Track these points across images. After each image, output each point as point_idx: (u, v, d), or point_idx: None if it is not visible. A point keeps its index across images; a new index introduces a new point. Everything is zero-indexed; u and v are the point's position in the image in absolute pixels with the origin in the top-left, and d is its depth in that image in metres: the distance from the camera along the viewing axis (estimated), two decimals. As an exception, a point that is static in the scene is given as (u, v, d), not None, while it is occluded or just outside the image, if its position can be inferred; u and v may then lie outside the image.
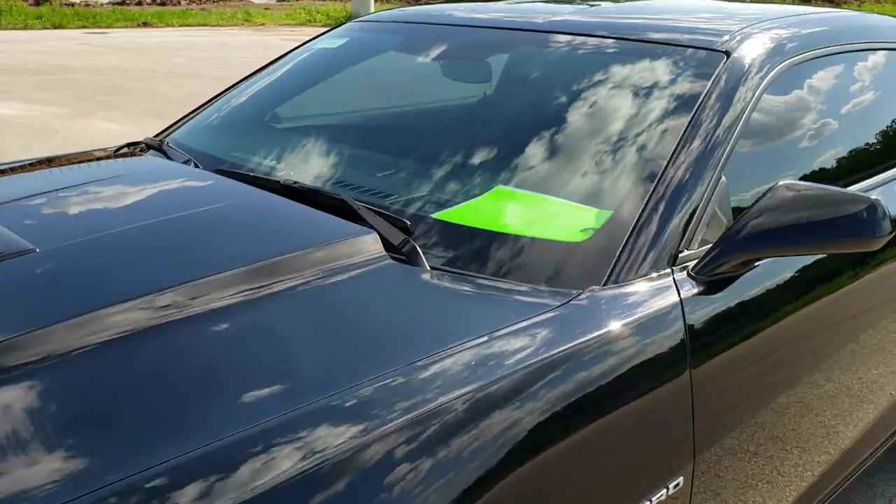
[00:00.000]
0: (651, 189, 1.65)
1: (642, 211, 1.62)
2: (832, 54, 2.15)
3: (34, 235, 1.56)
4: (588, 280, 1.51)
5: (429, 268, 1.58)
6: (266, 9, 26.09)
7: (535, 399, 1.27)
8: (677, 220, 1.61)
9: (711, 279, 1.59)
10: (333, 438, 1.07)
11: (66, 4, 23.31)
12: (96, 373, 1.18)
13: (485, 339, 1.32)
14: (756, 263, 1.67)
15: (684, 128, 1.75)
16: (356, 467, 1.05)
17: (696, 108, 1.78)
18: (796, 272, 1.78)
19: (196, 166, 2.05)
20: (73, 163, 2.27)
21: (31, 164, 2.29)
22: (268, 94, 2.43)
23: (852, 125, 2.19)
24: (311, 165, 2.02)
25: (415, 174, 1.91)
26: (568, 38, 2.12)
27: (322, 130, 2.21)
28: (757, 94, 1.85)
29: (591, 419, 1.33)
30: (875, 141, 2.27)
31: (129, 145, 2.41)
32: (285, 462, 1.03)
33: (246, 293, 1.39)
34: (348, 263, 1.52)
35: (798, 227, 1.55)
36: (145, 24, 20.67)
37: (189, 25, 21.32)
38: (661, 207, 1.62)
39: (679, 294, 1.53)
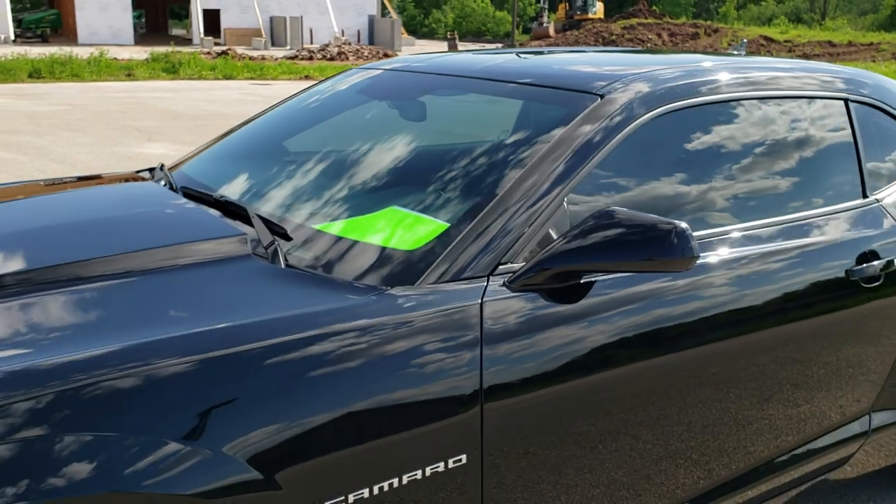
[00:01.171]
0: (487, 208, 1.87)
1: (473, 226, 1.84)
2: (715, 103, 2.26)
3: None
4: (406, 280, 1.75)
5: (283, 266, 1.85)
6: (424, 64, 27.24)
7: (310, 367, 1.53)
8: (504, 237, 1.82)
9: (524, 289, 1.78)
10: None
11: (242, 57, 25.24)
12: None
13: (278, 315, 1.60)
14: (583, 280, 1.85)
15: (536, 157, 1.97)
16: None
17: (553, 141, 2.00)
18: (614, 292, 1.90)
19: (169, 186, 2.47)
20: (93, 178, 2.84)
21: (61, 181, 2.84)
22: (252, 129, 2.86)
23: (721, 172, 2.26)
24: (253, 184, 2.40)
25: (327, 193, 2.23)
26: (473, 81, 2.41)
27: (276, 159, 2.58)
28: (621, 134, 2.03)
29: (359, 390, 1.56)
30: (741, 190, 2.28)
31: (149, 170, 2.88)
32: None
33: (125, 268, 1.81)
34: (214, 255, 1.87)
35: (606, 245, 1.73)
36: (307, 77, 22.10)
37: (347, 78, 22.57)
38: (492, 224, 1.84)
39: (482, 297, 1.73)
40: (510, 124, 2.20)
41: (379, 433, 1.57)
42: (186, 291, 1.74)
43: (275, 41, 39.32)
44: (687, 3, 66.43)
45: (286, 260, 1.88)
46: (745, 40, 3.38)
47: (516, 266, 1.82)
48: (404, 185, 2.14)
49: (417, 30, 71.71)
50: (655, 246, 1.70)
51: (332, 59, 29.80)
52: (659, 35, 34.55)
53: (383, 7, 46.20)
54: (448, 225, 1.88)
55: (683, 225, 1.72)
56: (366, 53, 32.25)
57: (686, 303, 2.00)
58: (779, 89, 2.43)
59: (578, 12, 44.25)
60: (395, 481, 1.60)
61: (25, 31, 39.60)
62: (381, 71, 2.81)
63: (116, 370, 1.41)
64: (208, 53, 26.62)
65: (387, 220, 1.98)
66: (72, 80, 19.02)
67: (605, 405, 1.89)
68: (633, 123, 2.07)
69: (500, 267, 1.80)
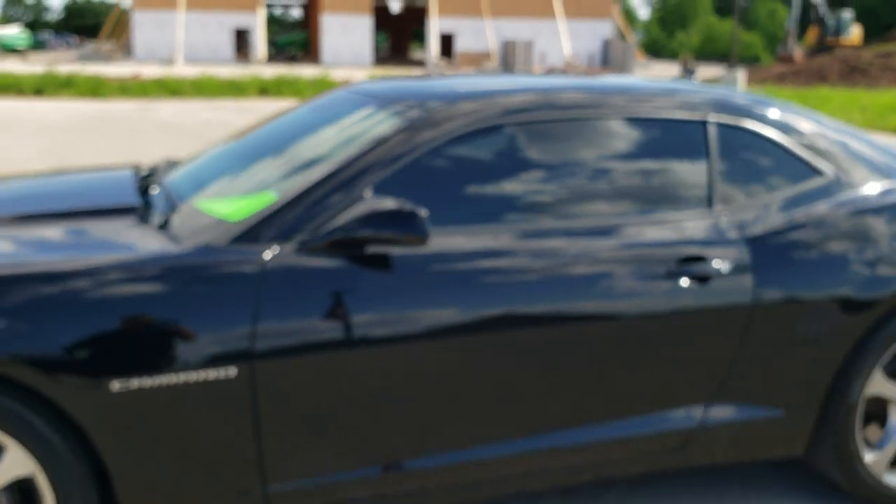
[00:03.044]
0: (297, 192, 2.30)
1: (283, 206, 2.27)
2: (552, 121, 2.56)
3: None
4: (222, 241, 2.21)
5: (156, 228, 2.37)
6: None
7: (121, 287, 2.04)
8: (305, 214, 2.25)
9: (310, 253, 2.20)
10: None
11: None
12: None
13: (123, 256, 2.14)
14: (369, 252, 2.22)
15: (350, 156, 2.38)
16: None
17: (375, 145, 2.40)
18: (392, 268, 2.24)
19: (136, 175, 3.13)
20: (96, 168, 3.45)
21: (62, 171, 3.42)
22: (233, 138, 3.21)
23: (543, 181, 2.50)
24: (195, 175, 2.82)
25: (221, 181, 2.65)
26: (351, 96, 2.90)
27: (224, 159, 2.94)
28: (440, 142, 2.42)
29: (152, 304, 2.05)
30: (564, 195, 2.50)
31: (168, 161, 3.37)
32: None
33: (64, 219, 2.49)
34: (114, 218, 2.50)
35: (364, 222, 2.16)
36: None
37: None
38: (298, 203, 2.27)
39: (271, 255, 2.18)
40: (351, 129, 2.60)
41: (157, 337, 2.03)
42: (71, 235, 2.35)
43: (507, 64, 39.96)
44: (965, 27, 60.18)
45: (160, 224, 2.41)
46: (694, 70, 3.38)
47: (310, 237, 2.24)
48: (274, 174, 2.53)
49: (661, 52, 70.33)
50: (400, 224, 2.16)
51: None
52: (916, 61, 31.41)
53: (620, 31, 45.68)
54: (269, 203, 2.31)
55: (421, 211, 2.17)
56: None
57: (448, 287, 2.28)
58: (628, 110, 2.67)
59: (831, 36, 41.36)
60: (173, 378, 2.04)
61: (279, 53, 42.80)
62: (343, 91, 3.15)
63: None
64: (433, 75, 27.44)
65: (243, 200, 2.40)
66: (292, 97, 20.29)
67: (367, 356, 2.20)
68: (455, 135, 2.44)
69: (296, 236, 2.24)
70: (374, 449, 2.27)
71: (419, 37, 59.32)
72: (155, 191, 2.79)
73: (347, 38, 41.39)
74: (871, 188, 2.81)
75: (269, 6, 52.36)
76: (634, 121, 2.66)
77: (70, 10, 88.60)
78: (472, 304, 2.28)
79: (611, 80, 2.97)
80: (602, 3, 44.99)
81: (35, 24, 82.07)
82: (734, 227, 2.62)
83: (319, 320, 2.15)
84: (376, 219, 2.16)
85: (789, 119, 2.86)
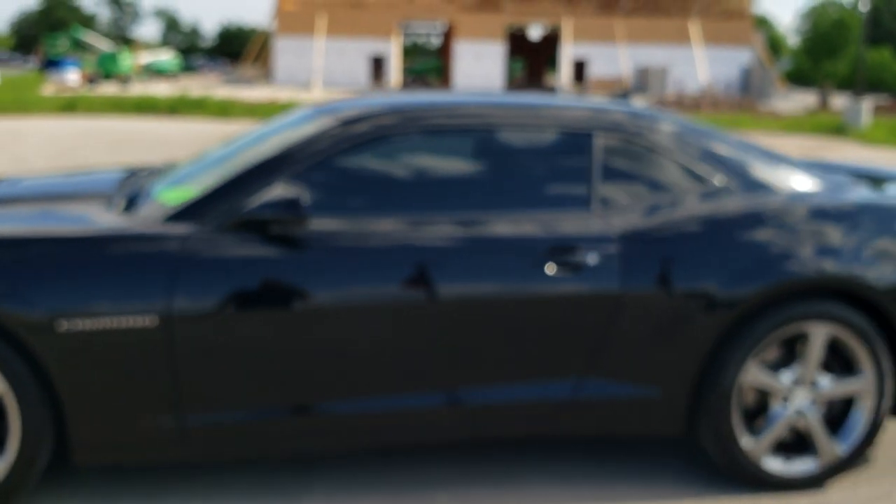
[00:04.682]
0: (222, 183, 2.82)
1: (207, 194, 2.80)
2: (455, 129, 3.03)
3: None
4: (158, 219, 2.77)
5: (121, 211, 2.93)
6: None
7: (80, 250, 2.62)
8: (219, 200, 2.77)
9: (223, 230, 2.72)
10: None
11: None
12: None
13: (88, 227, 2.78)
14: (271, 232, 2.71)
15: (266, 156, 2.88)
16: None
17: (298, 145, 2.90)
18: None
19: (129, 173, 3.72)
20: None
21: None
22: (217, 145, 3.69)
23: (439, 177, 2.97)
24: (171, 173, 3.37)
25: (194, 176, 3.13)
26: (306, 111, 3.39)
27: (196, 159, 3.48)
28: (350, 146, 2.89)
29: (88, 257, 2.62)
30: (457, 190, 2.95)
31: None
32: None
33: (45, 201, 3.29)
34: (90, 201, 3.11)
35: (262, 206, 2.67)
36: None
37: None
38: (217, 192, 2.79)
39: (192, 230, 2.70)
40: (288, 133, 3.09)
41: (96, 290, 2.58)
42: (52, 213, 3.05)
43: (640, 90, 39.32)
44: None
45: (124, 207, 2.99)
46: (629, 93, 3.98)
47: (221, 218, 2.76)
48: (221, 172, 2.99)
49: (807, 81, 67.59)
50: (285, 208, 2.65)
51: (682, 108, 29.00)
52: None
53: (761, 59, 44.13)
54: (198, 192, 2.85)
55: (303, 198, 2.66)
56: (722, 104, 30.91)
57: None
58: (519, 122, 3.08)
59: None
60: (107, 322, 2.56)
61: (415, 79, 43.60)
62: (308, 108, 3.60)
63: None
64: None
65: (183, 190, 2.96)
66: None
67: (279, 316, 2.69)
68: (359, 140, 2.91)
69: (214, 218, 2.75)
70: (278, 393, 2.70)
71: (555, 63, 59.22)
72: (136, 184, 3.34)
73: (479, 64, 41.84)
74: (753, 196, 3.07)
75: (408, 35, 53.51)
76: (524, 132, 3.07)
77: (223, 37, 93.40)
78: (355, 279, 2.71)
79: (511, 96, 3.36)
80: (742, 31, 43.70)
81: (190, 50, 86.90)
82: (608, 226, 2.94)
83: (225, 284, 2.64)
84: (269, 205, 2.65)
85: (678, 132, 3.17)
